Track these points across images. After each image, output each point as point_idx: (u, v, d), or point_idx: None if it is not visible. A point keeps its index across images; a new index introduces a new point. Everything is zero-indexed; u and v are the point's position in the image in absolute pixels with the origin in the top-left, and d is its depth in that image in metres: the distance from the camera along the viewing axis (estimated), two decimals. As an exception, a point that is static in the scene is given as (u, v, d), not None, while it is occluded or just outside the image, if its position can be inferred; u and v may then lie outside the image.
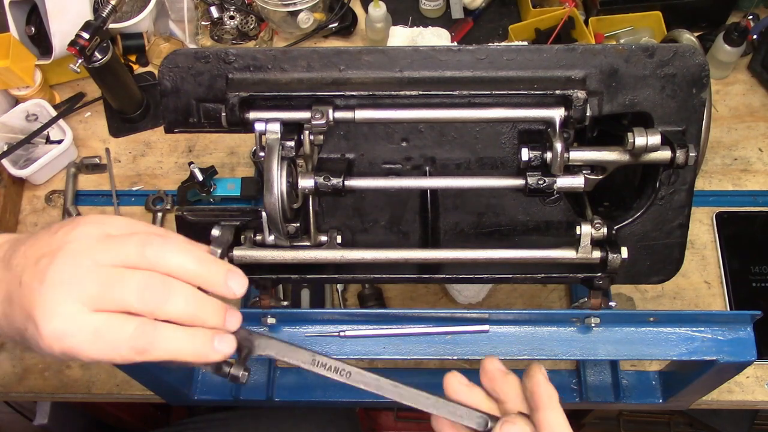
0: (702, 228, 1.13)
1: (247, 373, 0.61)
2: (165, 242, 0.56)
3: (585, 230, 0.72)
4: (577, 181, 0.72)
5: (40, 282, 0.54)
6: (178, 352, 0.55)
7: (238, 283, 0.58)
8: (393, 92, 0.72)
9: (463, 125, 0.78)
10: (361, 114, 0.71)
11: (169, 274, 0.56)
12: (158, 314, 0.55)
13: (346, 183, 0.72)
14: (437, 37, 1.27)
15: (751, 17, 1.19)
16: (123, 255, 0.55)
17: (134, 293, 0.54)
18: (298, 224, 0.73)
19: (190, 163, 1.11)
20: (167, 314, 0.55)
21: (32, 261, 0.56)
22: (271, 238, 0.73)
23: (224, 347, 0.57)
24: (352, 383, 0.60)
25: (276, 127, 0.70)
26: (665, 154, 0.71)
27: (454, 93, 0.72)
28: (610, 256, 0.72)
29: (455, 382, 0.61)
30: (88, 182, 1.21)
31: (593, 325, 0.77)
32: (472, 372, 0.69)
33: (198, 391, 1.01)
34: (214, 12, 1.31)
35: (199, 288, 0.57)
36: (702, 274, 1.10)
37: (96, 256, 0.55)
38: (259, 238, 0.74)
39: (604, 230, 0.72)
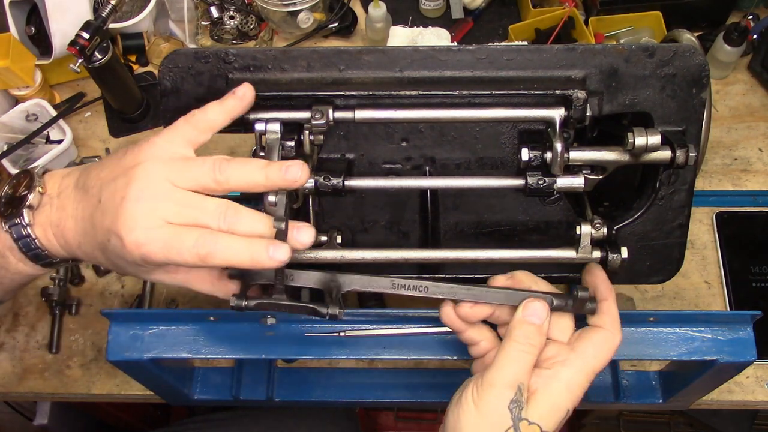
0: (702, 228, 1.13)
1: (342, 310, 0.67)
2: (236, 164, 0.64)
3: (585, 230, 0.72)
4: (577, 181, 0.72)
5: (122, 198, 0.62)
6: (236, 259, 0.61)
7: (300, 171, 0.64)
8: (393, 92, 0.72)
9: (463, 125, 0.77)
10: (361, 114, 0.71)
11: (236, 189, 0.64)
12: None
13: (346, 183, 0.72)
14: (437, 37, 1.27)
15: (751, 17, 1.19)
16: (197, 179, 0.63)
17: (211, 218, 0.62)
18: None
19: (190, 163, 1.11)
20: (239, 233, 0.62)
21: (108, 181, 0.64)
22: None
23: (279, 254, 0.61)
24: (431, 296, 0.68)
25: (276, 127, 0.70)
26: (665, 154, 0.71)
27: (454, 93, 0.72)
28: (610, 256, 0.72)
29: (526, 278, 0.70)
30: (88, 182, 1.21)
31: (593, 325, 0.77)
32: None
33: (198, 391, 1.01)
34: (214, 12, 1.31)
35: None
36: (702, 274, 1.10)
37: (171, 176, 0.62)
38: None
39: (604, 230, 0.72)
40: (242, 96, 0.68)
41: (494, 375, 0.63)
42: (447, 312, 0.69)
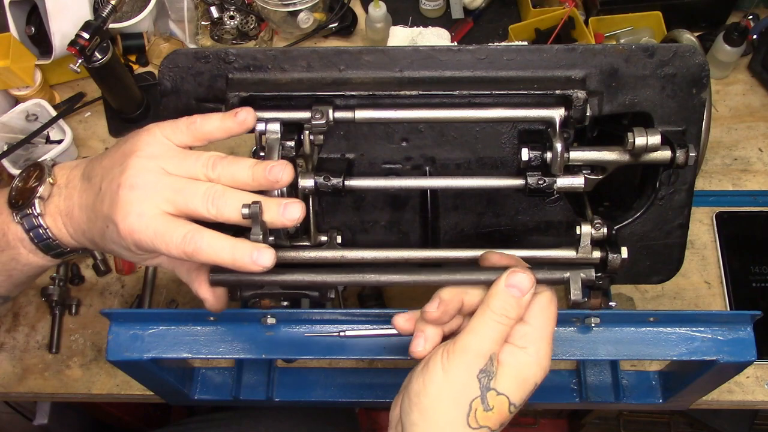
0: (702, 228, 1.13)
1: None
2: (227, 162, 0.65)
3: (585, 230, 0.72)
4: (577, 181, 0.72)
5: (118, 186, 0.64)
6: (220, 259, 0.63)
7: (282, 171, 0.64)
8: (393, 92, 0.72)
9: (463, 125, 0.78)
10: (361, 114, 0.71)
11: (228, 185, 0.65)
12: (219, 218, 0.64)
13: (346, 183, 0.72)
14: (437, 37, 1.27)
15: (751, 17, 1.19)
16: (189, 173, 0.65)
17: (201, 202, 0.63)
18: (298, 224, 0.73)
19: (190, 163, 1.11)
20: (226, 218, 0.64)
21: (108, 169, 0.66)
22: (270, 239, 0.73)
23: (263, 260, 0.63)
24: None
25: (276, 127, 0.70)
26: (665, 154, 0.71)
27: (454, 93, 0.72)
28: (610, 256, 0.72)
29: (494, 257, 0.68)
30: (88, 182, 1.21)
31: (593, 325, 0.77)
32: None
33: (198, 391, 1.01)
34: (214, 12, 1.31)
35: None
36: (702, 274, 1.10)
37: (166, 165, 0.65)
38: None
39: (604, 230, 0.72)
40: (242, 121, 0.68)
41: (468, 341, 0.62)
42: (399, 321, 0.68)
